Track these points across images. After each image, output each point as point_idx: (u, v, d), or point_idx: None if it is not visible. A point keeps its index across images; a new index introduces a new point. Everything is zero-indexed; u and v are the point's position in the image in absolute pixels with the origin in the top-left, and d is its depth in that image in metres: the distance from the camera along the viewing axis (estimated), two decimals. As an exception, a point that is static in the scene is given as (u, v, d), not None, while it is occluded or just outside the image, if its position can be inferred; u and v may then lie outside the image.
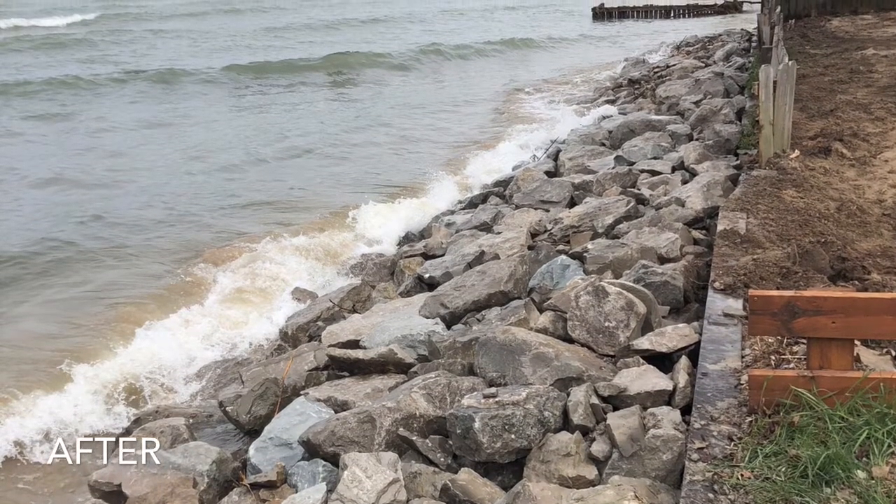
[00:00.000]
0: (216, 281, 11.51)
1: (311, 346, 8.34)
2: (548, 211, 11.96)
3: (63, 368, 8.92)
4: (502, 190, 14.29)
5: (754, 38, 27.66)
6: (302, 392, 6.93)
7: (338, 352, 7.44)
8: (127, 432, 7.49)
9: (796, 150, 10.43)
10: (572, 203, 12.17)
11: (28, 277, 11.99)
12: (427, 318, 8.22)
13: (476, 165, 17.46)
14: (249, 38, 46.67)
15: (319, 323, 9.42)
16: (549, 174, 14.46)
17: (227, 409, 7.27)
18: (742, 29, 36.13)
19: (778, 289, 6.28)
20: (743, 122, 14.53)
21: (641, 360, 5.98)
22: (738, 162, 11.78)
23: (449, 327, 7.99)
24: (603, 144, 16.23)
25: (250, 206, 15.30)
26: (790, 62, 10.78)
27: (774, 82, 10.18)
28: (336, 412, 6.28)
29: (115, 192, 16.57)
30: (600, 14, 55.73)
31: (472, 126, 22.71)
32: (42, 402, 8.24)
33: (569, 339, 6.50)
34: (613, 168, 13.40)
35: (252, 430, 7.01)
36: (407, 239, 12.95)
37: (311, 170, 18.06)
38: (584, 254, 8.65)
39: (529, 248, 10.14)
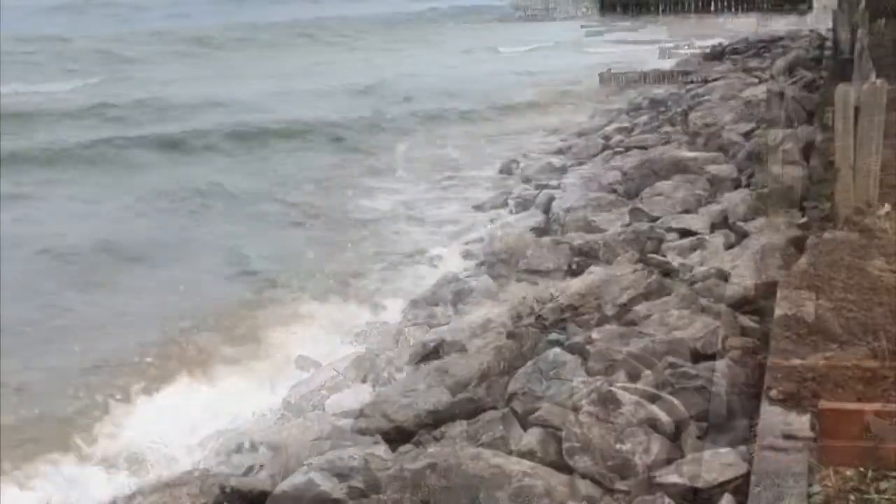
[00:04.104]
0: (218, 349, 13.78)
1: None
2: (536, 284, 12.08)
3: (63, 437, 11.03)
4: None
5: (828, 45, 28.27)
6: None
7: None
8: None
9: (887, 204, 10.60)
10: (571, 273, 12.30)
11: (28, 344, 14.49)
12: (362, 434, 8.28)
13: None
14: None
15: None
16: (538, 231, 14.64)
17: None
18: (812, 30, 36.84)
19: (860, 400, 6.41)
20: (812, 162, 14.72)
21: (668, 499, 6.07)
22: (805, 219, 11.96)
23: (394, 449, 8.05)
24: (614, 191, 16.26)
25: (252, 273, 17.93)
26: (879, 80, 11.01)
27: (856, 108, 10.39)
28: None
29: (114, 258, 19.26)
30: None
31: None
32: (42, 471, 10.29)
33: (565, 468, 6.58)
34: (628, 225, 13.61)
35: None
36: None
37: (311, 237, 20.59)
38: (587, 346, 8.77)
39: (510, 335, 10.23)
